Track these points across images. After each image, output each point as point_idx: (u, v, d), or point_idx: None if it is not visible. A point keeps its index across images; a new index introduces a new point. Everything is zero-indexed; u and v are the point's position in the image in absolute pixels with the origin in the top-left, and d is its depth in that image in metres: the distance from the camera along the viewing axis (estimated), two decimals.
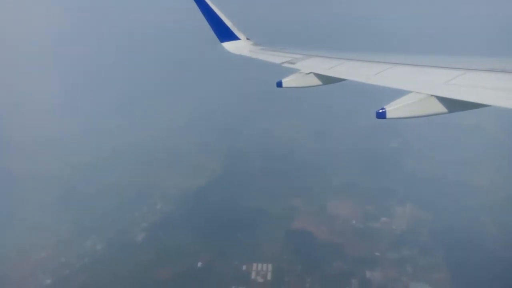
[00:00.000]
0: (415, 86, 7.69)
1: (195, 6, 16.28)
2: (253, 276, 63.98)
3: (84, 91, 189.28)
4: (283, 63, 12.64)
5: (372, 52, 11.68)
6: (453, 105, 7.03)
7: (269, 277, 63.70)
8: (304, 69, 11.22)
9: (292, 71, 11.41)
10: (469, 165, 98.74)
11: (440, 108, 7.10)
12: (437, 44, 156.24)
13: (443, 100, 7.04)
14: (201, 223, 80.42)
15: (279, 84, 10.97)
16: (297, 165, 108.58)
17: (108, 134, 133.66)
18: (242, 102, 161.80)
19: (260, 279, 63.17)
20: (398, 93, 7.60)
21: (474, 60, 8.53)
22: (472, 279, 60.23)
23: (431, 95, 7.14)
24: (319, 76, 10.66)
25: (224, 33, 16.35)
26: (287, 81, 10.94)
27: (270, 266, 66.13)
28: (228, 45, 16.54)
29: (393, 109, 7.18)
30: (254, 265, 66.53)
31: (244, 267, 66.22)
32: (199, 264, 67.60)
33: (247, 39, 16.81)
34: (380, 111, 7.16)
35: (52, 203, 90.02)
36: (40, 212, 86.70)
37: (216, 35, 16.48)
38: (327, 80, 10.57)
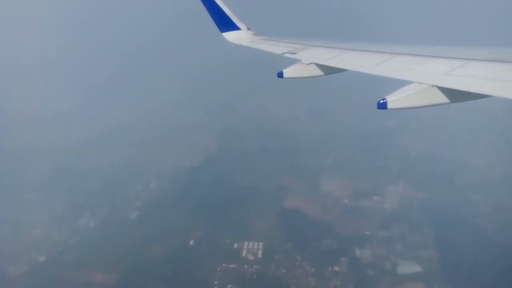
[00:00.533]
0: (416, 77, 7.71)
1: None
2: (244, 254, 64.68)
3: (78, 68, 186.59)
4: (283, 53, 12.65)
5: (373, 42, 11.62)
6: (455, 95, 7.04)
7: (260, 254, 64.41)
8: (305, 59, 11.20)
9: (293, 62, 11.41)
10: (464, 144, 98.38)
11: (442, 98, 7.12)
12: (439, 33, 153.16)
13: (444, 90, 7.05)
14: (194, 202, 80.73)
15: (280, 75, 10.96)
16: (291, 144, 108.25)
17: (102, 112, 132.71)
18: (238, 82, 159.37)
19: (251, 257, 63.89)
20: (399, 84, 7.68)
21: (475, 50, 8.52)
22: (461, 258, 60.84)
23: (433, 86, 7.16)
24: (320, 66, 10.70)
25: (225, 23, 16.27)
26: (288, 72, 10.96)
27: (261, 244, 66.78)
28: (228, 35, 16.50)
29: (394, 100, 7.21)
30: (246, 243, 67.16)
31: (235, 245, 66.88)
32: (191, 242, 68.27)
33: (248, 29, 16.69)
34: (381, 101, 7.20)
35: (46, 180, 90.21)
36: (34, 189, 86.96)
37: (217, 25, 16.38)
38: (328, 70, 10.60)
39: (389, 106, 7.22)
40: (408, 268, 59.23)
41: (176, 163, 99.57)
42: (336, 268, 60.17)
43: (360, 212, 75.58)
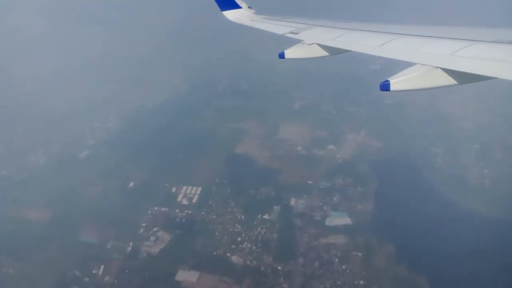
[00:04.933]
0: (420, 58, 7.56)
1: None
2: (179, 198, 64.44)
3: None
4: (285, 33, 12.33)
5: (376, 22, 11.37)
6: (459, 77, 6.91)
7: (195, 200, 64.06)
8: (307, 39, 10.84)
9: (295, 42, 11.02)
10: (445, 96, 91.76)
11: (445, 80, 6.99)
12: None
13: (448, 72, 6.92)
14: (146, 143, 79.83)
15: (281, 56, 10.55)
16: (263, 86, 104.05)
17: (73, 43, 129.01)
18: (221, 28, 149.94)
19: (185, 202, 63.67)
20: (403, 65, 7.49)
21: (480, 31, 8.49)
22: (398, 214, 58.82)
23: (436, 67, 7.01)
24: (322, 46, 10.38)
25: (225, 1, 15.98)
26: (289, 52, 10.55)
27: (199, 189, 66.21)
28: (229, 14, 16.22)
29: (397, 81, 7.05)
30: (184, 187, 66.69)
31: (173, 189, 66.57)
32: (131, 184, 68.29)
33: (249, 7, 16.34)
34: (384, 83, 7.05)
35: (1, 115, 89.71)
36: None
37: (217, 3, 15.99)
38: (330, 51, 10.31)
39: (392, 87, 7.03)
40: (338, 220, 57.95)
41: (139, 102, 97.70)
42: (265, 216, 59.42)
43: (310, 161, 73.28)
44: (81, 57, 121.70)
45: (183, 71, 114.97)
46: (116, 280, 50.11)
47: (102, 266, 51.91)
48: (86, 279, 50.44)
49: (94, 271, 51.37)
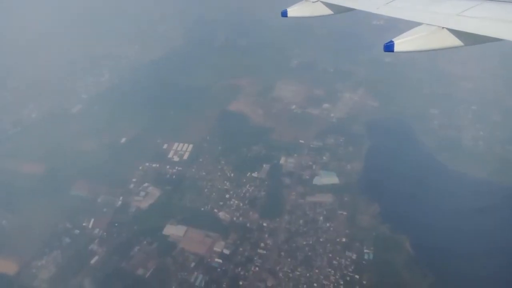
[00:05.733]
0: (426, 18, 7.35)
1: None
2: (170, 155, 64.74)
3: None
4: None
5: None
6: (466, 38, 6.70)
7: (186, 156, 64.35)
8: None
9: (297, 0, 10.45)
10: (444, 54, 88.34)
11: (452, 41, 6.77)
12: None
13: (455, 32, 6.72)
14: (139, 99, 79.19)
15: (284, 14, 10.13)
16: (262, 41, 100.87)
17: (67, 1, 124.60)
18: None
19: (176, 158, 64.00)
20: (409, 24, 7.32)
21: None
22: (386, 174, 58.79)
23: (443, 28, 6.82)
24: (326, 4, 10.04)
25: None
26: (292, 11, 10.12)
27: (191, 146, 66.31)
28: None
29: (401, 42, 6.84)
30: (176, 144, 66.82)
31: (165, 146, 66.71)
32: (123, 140, 68.47)
33: None
34: (388, 44, 6.80)
35: None
36: None
37: None
38: (335, 9, 10.00)
39: (396, 48, 6.80)
40: (326, 179, 58.14)
41: (135, 57, 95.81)
42: (254, 174, 59.79)
43: (304, 119, 72.51)
44: (77, 11, 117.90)
45: (181, 26, 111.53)
46: (105, 233, 51.56)
47: (92, 219, 53.28)
48: (77, 231, 51.95)
49: (84, 224, 52.80)
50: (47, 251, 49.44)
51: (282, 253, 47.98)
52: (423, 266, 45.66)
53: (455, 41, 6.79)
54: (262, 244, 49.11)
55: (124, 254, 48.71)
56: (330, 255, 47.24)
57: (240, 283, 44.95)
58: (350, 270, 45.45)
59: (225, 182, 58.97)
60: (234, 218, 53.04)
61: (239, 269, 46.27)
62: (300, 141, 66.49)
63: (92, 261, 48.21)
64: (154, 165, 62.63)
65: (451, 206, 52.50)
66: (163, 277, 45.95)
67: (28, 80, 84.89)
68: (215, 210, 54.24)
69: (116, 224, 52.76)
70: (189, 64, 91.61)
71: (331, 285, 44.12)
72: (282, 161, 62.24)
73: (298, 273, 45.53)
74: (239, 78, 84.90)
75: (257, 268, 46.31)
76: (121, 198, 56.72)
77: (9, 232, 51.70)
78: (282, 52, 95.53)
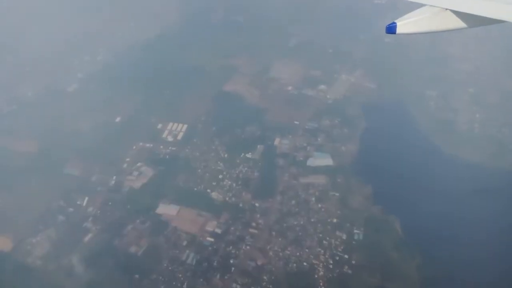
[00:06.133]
0: None
1: None
2: (164, 135, 64.63)
3: None
4: None
5: None
6: (469, 20, 6.61)
7: (180, 137, 64.27)
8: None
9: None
10: (444, 34, 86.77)
11: (455, 23, 6.70)
12: None
13: (458, 14, 6.62)
14: (134, 78, 78.36)
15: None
16: (260, 18, 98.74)
17: None
18: None
19: (170, 138, 63.94)
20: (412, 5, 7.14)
21: None
22: (381, 156, 58.78)
23: (446, 9, 6.76)
24: None
25: None
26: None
27: (185, 126, 66.11)
28: None
29: (404, 23, 6.79)
30: (170, 124, 66.61)
31: (159, 126, 66.53)
32: (118, 119, 68.25)
33: None
34: (390, 25, 6.82)
35: None
36: None
37: None
38: None
39: (398, 30, 6.71)
40: (320, 160, 58.18)
41: (130, 35, 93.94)
42: (248, 155, 59.83)
43: (300, 100, 71.95)
44: None
45: (177, 2, 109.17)
46: (99, 212, 52.09)
47: (86, 198, 53.72)
48: (71, 209, 52.46)
49: (78, 202, 53.29)
50: (41, 228, 50.09)
51: (273, 233, 48.60)
52: (412, 248, 46.22)
53: (458, 23, 6.72)
54: (253, 224, 49.69)
55: (117, 232, 49.42)
56: (321, 235, 47.81)
57: (231, 261, 45.68)
58: (340, 250, 46.09)
59: (219, 162, 59.09)
60: (227, 198, 53.43)
61: (230, 247, 46.98)
62: (295, 122, 66.21)
63: (86, 239, 48.89)
64: (148, 145, 62.67)
65: (444, 188, 52.78)
66: (155, 255, 46.66)
67: (23, 58, 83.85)
68: (208, 190, 54.59)
69: (110, 203, 53.26)
70: (185, 42, 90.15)
71: (321, 264, 44.81)
72: (276, 142, 62.17)
73: (288, 252, 46.20)
74: (236, 57, 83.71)
75: (248, 247, 46.96)
76: (114, 177, 57.01)
77: (3, 209, 52.16)
78: (280, 31, 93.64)
